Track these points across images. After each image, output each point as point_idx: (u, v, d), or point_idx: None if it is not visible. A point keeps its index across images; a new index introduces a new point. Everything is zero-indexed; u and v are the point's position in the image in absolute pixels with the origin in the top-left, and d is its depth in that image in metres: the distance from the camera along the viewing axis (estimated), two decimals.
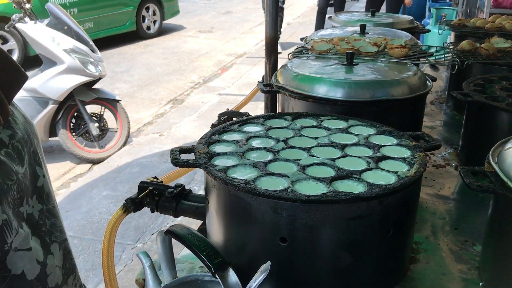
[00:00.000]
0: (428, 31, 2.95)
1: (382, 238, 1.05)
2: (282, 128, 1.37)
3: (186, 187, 1.43)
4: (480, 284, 1.13)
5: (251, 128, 1.38)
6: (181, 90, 7.12)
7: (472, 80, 1.79)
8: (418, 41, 2.39)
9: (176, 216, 1.39)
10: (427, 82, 1.71)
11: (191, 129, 5.51)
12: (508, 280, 1.04)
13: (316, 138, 1.29)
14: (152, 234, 3.64)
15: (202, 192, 1.35)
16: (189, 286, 1.09)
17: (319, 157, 1.17)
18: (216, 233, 1.17)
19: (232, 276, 0.98)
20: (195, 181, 4.32)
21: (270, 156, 1.18)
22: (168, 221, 3.75)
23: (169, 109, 6.37)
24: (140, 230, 3.68)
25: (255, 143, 1.27)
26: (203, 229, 1.34)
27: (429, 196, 1.56)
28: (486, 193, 1.06)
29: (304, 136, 1.31)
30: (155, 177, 1.49)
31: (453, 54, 2.06)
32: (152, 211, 1.41)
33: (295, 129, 1.35)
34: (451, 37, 3.54)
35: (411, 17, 2.91)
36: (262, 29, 9.89)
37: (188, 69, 8.18)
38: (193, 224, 1.40)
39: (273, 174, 1.09)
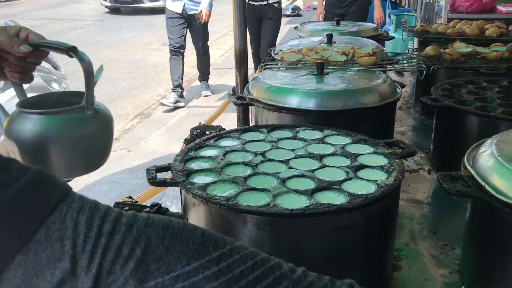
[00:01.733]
0: (392, 38, 3.01)
1: (366, 248, 1.05)
2: (258, 141, 1.36)
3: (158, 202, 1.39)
4: (463, 287, 1.14)
5: (227, 143, 1.36)
6: (148, 104, 7.03)
7: (440, 85, 1.83)
8: (384, 48, 2.43)
9: None
10: (397, 89, 1.74)
11: (160, 143, 5.43)
12: (490, 281, 1.05)
13: (293, 149, 1.28)
14: None
15: (174, 207, 1.33)
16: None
17: (298, 169, 1.17)
18: None
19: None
20: (166, 196, 4.25)
21: (249, 171, 1.17)
22: None
23: (136, 124, 6.28)
24: None
25: (233, 157, 1.26)
26: None
27: (405, 202, 1.57)
28: (463, 198, 1.08)
29: (281, 148, 1.30)
30: (130, 197, 1.44)
31: (418, 60, 2.10)
32: None
33: (272, 142, 1.34)
34: (414, 43, 3.62)
35: (375, 25, 2.97)
36: (227, 40, 9.79)
37: (154, 83, 8.10)
38: None
39: (253, 189, 1.08)
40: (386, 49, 2.51)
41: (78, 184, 4.62)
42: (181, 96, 6.86)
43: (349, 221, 1.00)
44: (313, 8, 14.71)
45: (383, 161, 1.21)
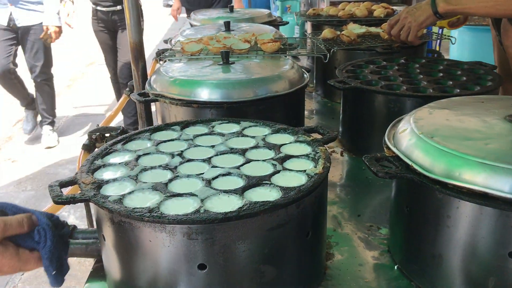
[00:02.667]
0: (287, 23, 3.02)
1: (302, 242, 1.00)
2: (173, 140, 1.25)
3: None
4: (396, 267, 1.15)
5: (138, 145, 1.23)
6: None
7: (343, 67, 1.85)
8: (282, 34, 2.41)
9: None
10: (304, 74, 1.72)
11: (49, 150, 5.01)
12: (423, 259, 1.06)
13: (213, 146, 1.20)
14: (22, 275, 3.22)
15: (72, 217, 1.17)
16: None
17: (222, 167, 1.08)
18: (120, 272, 1.02)
19: None
20: (63, 208, 3.93)
21: (169, 175, 1.06)
22: None
23: (18, 130, 5.73)
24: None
25: (148, 162, 1.14)
26: (98, 267, 1.17)
27: None
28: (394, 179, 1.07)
29: (199, 146, 1.21)
30: None
31: (318, 43, 2.11)
32: None
33: (188, 140, 1.24)
34: (300, 28, 3.68)
35: (268, 11, 2.95)
36: None
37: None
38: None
39: (178, 195, 0.97)
40: (283, 34, 2.50)
41: None
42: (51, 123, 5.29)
43: (286, 217, 0.94)
44: (168, 5, 14.13)
45: (307, 149, 1.17)
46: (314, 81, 2.49)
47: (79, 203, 1.05)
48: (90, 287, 1.13)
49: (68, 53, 9.16)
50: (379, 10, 2.74)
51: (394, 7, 2.92)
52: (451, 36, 2.37)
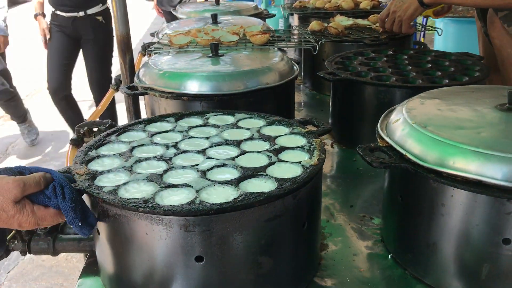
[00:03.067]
0: (273, 15, 3.01)
1: (299, 233, 1.01)
2: (167, 131, 1.24)
3: None
4: (389, 256, 1.16)
5: (132, 137, 1.22)
6: None
7: (332, 59, 1.85)
8: (270, 26, 2.41)
9: (54, 254, 1.18)
10: (294, 66, 1.72)
11: (38, 146, 4.92)
12: (417, 247, 1.07)
13: (207, 138, 1.19)
14: (8, 272, 3.18)
15: None
16: None
17: (217, 159, 1.08)
18: (115, 265, 1.01)
19: None
20: None
21: (164, 166, 1.05)
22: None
23: (0, 126, 5.64)
24: None
25: (142, 153, 1.12)
26: (91, 262, 1.16)
27: None
28: (387, 168, 1.08)
29: (194, 137, 1.20)
30: None
31: (306, 36, 2.11)
32: (23, 254, 1.17)
33: (182, 131, 1.23)
34: (285, 20, 3.68)
35: (255, 3, 2.94)
36: None
37: (16, 80, 7.32)
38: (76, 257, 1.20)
39: (173, 186, 0.97)
40: (271, 27, 2.49)
41: None
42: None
43: (282, 208, 0.94)
44: None
45: (302, 141, 1.17)
46: (302, 74, 2.49)
47: None
48: (83, 283, 1.11)
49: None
50: (365, 3, 2.75)
51: None
52: (438, 28, 2.38)
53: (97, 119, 1.99)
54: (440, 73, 1.63)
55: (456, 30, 3.47)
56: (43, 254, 1.17)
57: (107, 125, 1.69)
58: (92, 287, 1.10)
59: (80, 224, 0.93)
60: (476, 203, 0.94)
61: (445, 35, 3.60)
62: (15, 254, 3.28)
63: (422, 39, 4.13)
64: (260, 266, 0.96)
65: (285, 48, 2.44)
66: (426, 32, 4.38)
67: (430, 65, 1.73)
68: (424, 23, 4.36)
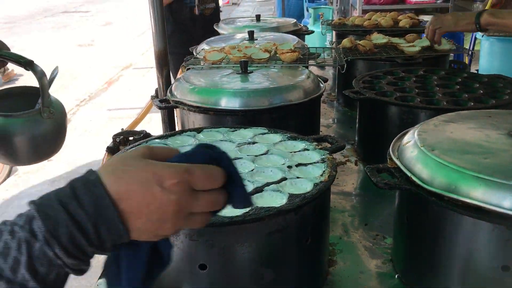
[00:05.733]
0: (312, 32, 3.05)
1: (301, 247, 1.04)
2: (187, 146, 1.31)
3: None
4: (396, 276, 1.17)
5: None
6: (66, 109, 6.69)
7: (360, 77, 1.88)
8: (305, 43, 2.45)
9: None
10: (320, 84, 1.76)
11: (82, 150, 5.18)
12: (421, 268, 1.09)
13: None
14: None
15: None
16: None
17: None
18: None
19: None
20: None
21: None
22: None
23: None
24: None
25: None
26: None
27: (335, 195, 1.59)
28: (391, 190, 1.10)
29: None
30: None
31: (338, 53, 2.14)
32: None
33: None
34: (332, 36, 3.70)
35: (294, 20, 2.99)
36: (146, 39, 9.52)
37: (71, 87, 7.72)
38: None
39: None
40: (306, 43, 2.54)
41: None
42: None
43: (284, 222, 0.98)
44: (233, 3, 14.72)
45: (315, 157, 1.21)
46: (336, 90, 2.51)
47: None
48: (103, 283, 1.19)
49: (105, 56, 9.46)
50: (404, 21, 2.74)
51: (423, 17, 2.92)
52: (468, 49, 2.35)
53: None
54: (466, 95, 1.62)
55: (502, 50, 3.38)
56: None
57: (142, 135, 1.79)
58: None
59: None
60: (476, 229, 0.94)
61: (491, 55, 3.51)
62: None
63: (466, 59, 4.06)
64: (262, 277, 1.00)
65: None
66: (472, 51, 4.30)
67: (458, 87, 1.72)
68: (471, 45, 4.27)
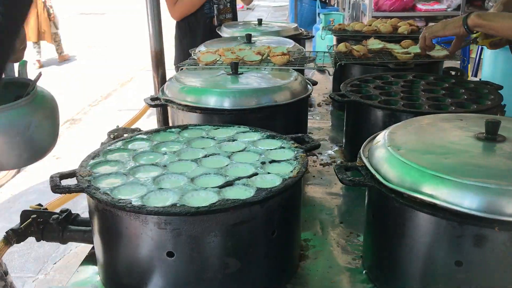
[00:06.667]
0: (312, 37, 3.10)
1: (267, 240, 1.09)
2: (169, 142, 1.36)
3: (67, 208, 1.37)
4: (364, 272, 1.21)
5: (136, 145, 1.36)
6: (78, 108, 6.83)
7: (349, 81, 1.92)
8: (301, 47, 2.50)
9: (63, 242, 1.33)
10: (308, 86, 1.80)
11: (91, 149, 5.29)
12: (386, 264, 1.12)
13: (204, 148, 1.31)
14: (55, 263, 3.45)
15: None
16: None
17: (207, 167, 1.19)
18: (104, 255, 1.14)
19: None
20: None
21: (157, 172, 1.18)
22: (71, 247, 3.57)
23: (65, 130, 6.09)
24: (40, 260, 3.47)
25: (142, 160, 1.26)
26: (92, 253, 1.30)
27: (318, 194, 1.64)
28: (358, 187, 1.14)
29: (192, 148, 1.32)
30: (39, 204, 1.41)
31: (332, 58, 2.18)
32: (38, 240, 1.34)
33: (183, 142, 1.35)
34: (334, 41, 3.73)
35: (295, 25, 3.04)
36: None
37: (84, 87, 7.87)
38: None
39: (161, 189, 1.09)
40: (312, 48, 2.58)
41: (4, 195, 4.42)
42: None
43: (249, 214, 1.03)
44: (247, 8, 14.81)
45: (289, 155, 1.26)
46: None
47: None
48: (82, 270, 1.26)
49: (119, 58, 9.61)
50: (403, 27, 2.77)
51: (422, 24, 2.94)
52: (461, 56, 2.37)
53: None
54: (450, 100, 1.65)
55: (504, 59, 3.37)
56: (53, 241, 1.33)
57: (135, 132, 1.86)
58: (88, 273, 1.24)
59: None
60: (431, 225, 0.98)
61: (494, 63, 3.51)
62: (62, 248, 3.55)
63: (469, 68, 4.07)
64: (227, 266, 1.05)
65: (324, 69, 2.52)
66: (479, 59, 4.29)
67: (443, 92, 1.75)
68: (478, 54, 4.26)
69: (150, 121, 4.73)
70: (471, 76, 4.37)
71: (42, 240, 1.33)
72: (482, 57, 4.14)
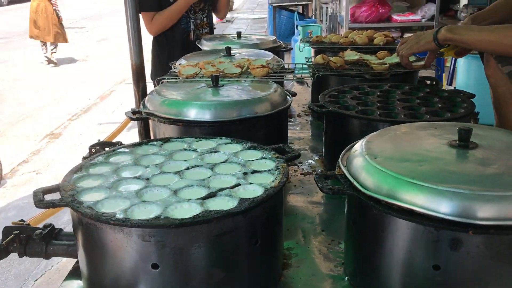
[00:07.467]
0: (291, 49, 3.15)
1: (250, 249, 1.11)
2: (151, 155, 1.38)
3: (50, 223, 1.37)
4: (345, 279, 1.24)
5: (119, 159, 1.37)
6: (58, 123, 6.76)
7: (327, 92, 1.96)
8: (280, 59, 2.54)
9: (47, 258, 1.33)
10: (287, 97, 1.83)
11: (72, 164, 5.23)
12: (366, 270, 1.15)
13: (186, 160, 1.32)
14: (36, 280, 3.39)
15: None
16: None
17: (190, 179, 1.20)
18: (89, 269, 1.14)
19: None
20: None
21: (140, 185, 1.19)
22: (53, 263, 3.52)
23: (45, 144, 6.02)
24: (21, 277, 3.41)
25: (124, 173, 1.27)
26: (77, 267, 1.30)
27: (300, 203, 1.67)
28: (338, 195, 1.17)
29: (174, 160, 1.33)
30: (22, 220, 1.41)
31: (310, 70, 2.23)
32: (20, 256, 1.33)
33: (165, 155, 1.37)
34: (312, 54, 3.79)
35: (274, 37, 3.09)
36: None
37: (64, 101, 7.81)
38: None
39: (144, 202, 1.10)
40: (291, 60, 2.62)
41: None
42: None
43: (232, 225, 1.05)
44: (226, 21, 14.92)
45: (270, 165, 1.29)
46: None
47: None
48: (66, 285, 1.25)
49: (99, 71, 9.56)
50: (379, 38, 2.84)
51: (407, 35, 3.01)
52: (435, 66, 2.44)
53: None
54: (424, 109, 1.70)
55: (477, 67, 3.47)
56: (37, 257, 1.32)
57: (117, 145, 1.86)
58: None
59: None
60: (409, 231, 1.01)
61: (468, 71, 3.61)
62: (43, 264, 3.50)
63: (444, 77, 4.16)
64: (211, 277, 1.07)
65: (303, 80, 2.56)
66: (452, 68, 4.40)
67: (418, 101, 1.80)
68: (452, 63, 4.37)
69: (131, 134, 4.72)
70: (447, 84, 4.48)
71: (24, 256, 1.32)
72: (456, 66, 4.26)
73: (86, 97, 7.95)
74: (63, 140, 6.11)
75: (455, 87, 3.88)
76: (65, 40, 10.32)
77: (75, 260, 1.34)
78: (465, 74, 3.61)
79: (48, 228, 1.34)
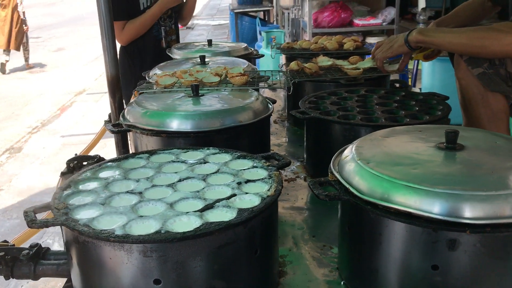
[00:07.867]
0: (262, 56, 3.16)
1: (251, 259, 1.11)
2: (140, 168, 1.36)
3: (39, 242, 1.33)
4: (342, 283, 1.25)
5: (108, 173, 1.34)
6: (17, 137, 6.53)
7: (306, 98, 1.98)
8: (255, 66, 2.55)
9: (35, 278, 1.29)
10: (269, 105, 1.85)
11: (35, 178, 5.07)
12: (363, 274, 1.17)
13: (177, 172, 1.31)
14: (28, 282, 3.26)
15: (57, 244, 1.27)
16: None
17: (185, 192, 1.19)
18: None
19: None
20: (47, 234, 3.98)
21: (135, 200, 1.17)
22: (23, 282, 3.39)
23: (5, 159, 5.80)
24: None
25: (115, 188, 1.24)
26: (68, 286, 1.26)
27: (286, 210, 1.67)
28: (334, 201, 1.19)
29: (165, 173, 1.32)
30: (5, 241, 1.36)
31: (286, 76, 2.25)
32: (7, 278, 1.28)
33: (154, 168, 1.35)
34: (282, 59, 3.84)
35: (245, 44, 3.10)
36: (99, 64, 9.51)
37: (22, 114, 7.56)
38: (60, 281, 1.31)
39: (142, 217, 1.08)
40: (256, 67, 2.64)
41: None
42: None
43: (233, 235, 1.05)
44: (187, 28, 14.80)
45: (263, 174, 1.29)
46: (286, 111, 2.62)
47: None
48: None
49: (57, 82, 9.32)
50: (349, 44, 2.89)
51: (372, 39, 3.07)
52: (408, 69, 2.51)
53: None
54: (403, 113, 1.75)
55: (442, 69, 3.60)
56: (25, 279, 1.28)
57: (96, 159, 1.82)
58: None
59: None
60: (407, 233, 1.04)
61: (432, 73, 3.74)
62: (13, 282, 3.37)
63: (409, 79, 4.28)
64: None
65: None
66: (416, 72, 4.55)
67: (396, 105, 1.85)
68: (415, 66, 4.51)
69: (102, 147, 4.63)
70: (412, 86, 4.61)
71: (12, 278, 1.28)
72: (420, 68, 4.39)
73: (45, 110, 7.72)
74: (25, 155, 5.90)
75: (420, 89, 4.00)
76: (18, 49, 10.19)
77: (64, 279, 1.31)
78: (430, 76, 3.73)
79: (35, 248, 1.30)
